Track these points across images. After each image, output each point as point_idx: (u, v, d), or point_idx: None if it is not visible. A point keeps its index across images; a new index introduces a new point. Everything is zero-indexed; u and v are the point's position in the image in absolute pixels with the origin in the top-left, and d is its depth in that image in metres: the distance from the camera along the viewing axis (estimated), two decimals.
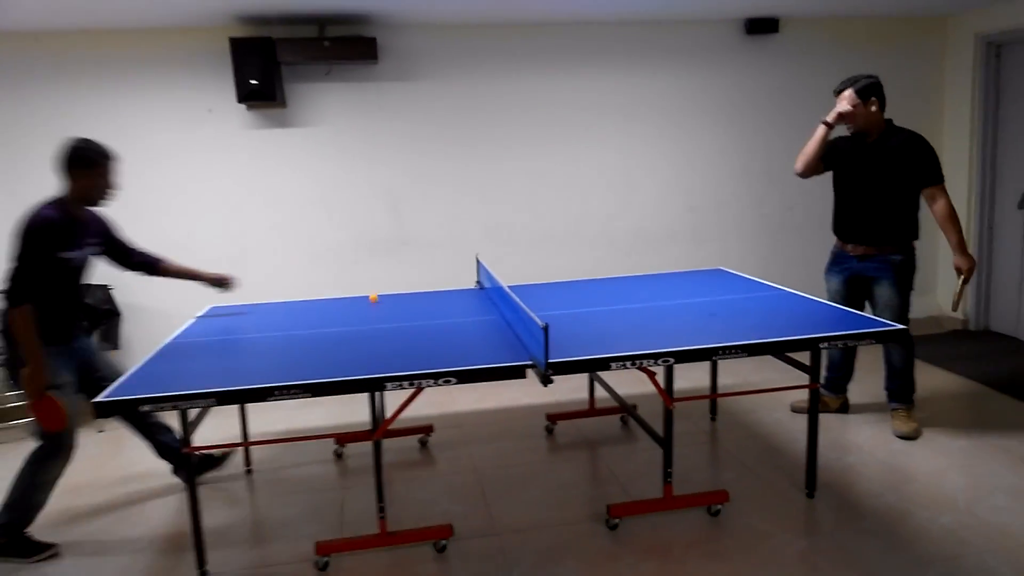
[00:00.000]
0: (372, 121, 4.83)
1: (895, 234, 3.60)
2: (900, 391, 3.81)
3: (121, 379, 2.61)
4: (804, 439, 3.30)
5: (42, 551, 2.97)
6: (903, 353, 3.75)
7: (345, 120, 4.80)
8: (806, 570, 2.65)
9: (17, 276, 2.76)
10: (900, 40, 5.42)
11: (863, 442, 3.71)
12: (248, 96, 4.38)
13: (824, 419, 3.96)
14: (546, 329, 2.43)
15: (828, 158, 3.73)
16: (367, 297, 3.88)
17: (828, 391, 4.09)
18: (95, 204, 3.03)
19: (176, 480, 3.58)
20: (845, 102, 3.54)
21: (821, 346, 2.81)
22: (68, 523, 3.24)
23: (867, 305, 3.83)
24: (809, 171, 3.74)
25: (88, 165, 2.92)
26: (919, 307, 5.66)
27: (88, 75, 4.49)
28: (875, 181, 3.58)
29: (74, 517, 3.30)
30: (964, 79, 5.41)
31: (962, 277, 3.53)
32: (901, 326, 2.90)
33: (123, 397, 2.38)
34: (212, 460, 3.64)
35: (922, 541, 2.80)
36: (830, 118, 3.60)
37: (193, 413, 2.80)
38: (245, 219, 4.81)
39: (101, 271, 4.61)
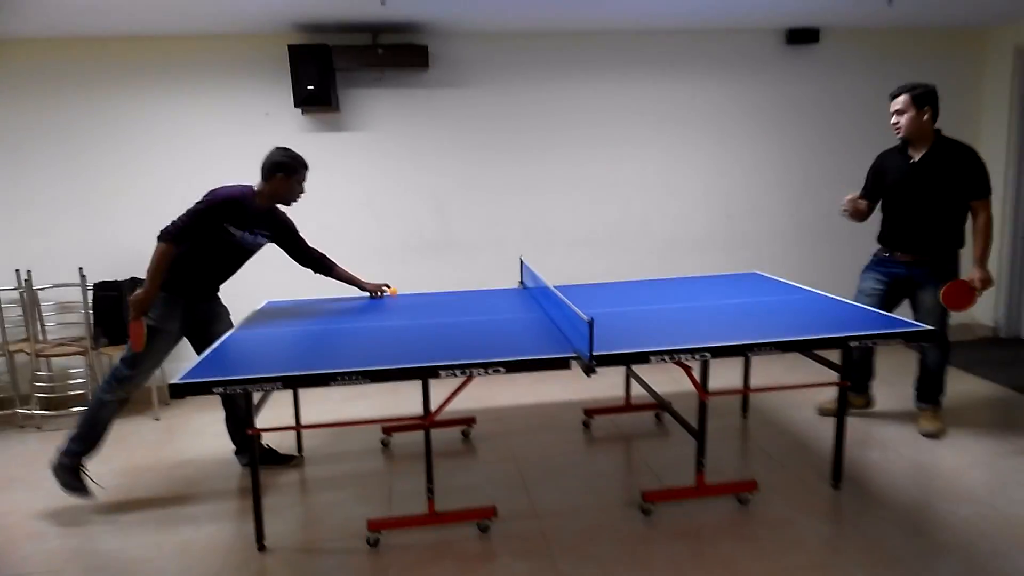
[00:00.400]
0: (420, 126, 5.05)
1: (945, 242, 3.71)
2: (929, 392, 3.92)
3: (193, 364, 2.83)
4: (831, 436, 3.42)
5: (85, 491, 3.37)
6: (939, 356, 3.85)
7: (395, 125, 5.02)
8: (829, 553, 2.78)
9: (178, 222, 3.22)
10: (939, 51, 5.49)
11: (888, 440, 3.82)
12: (304, 101, 4.62)
13: (849, 418, 4.07)
14: (591, 323, 2.60)
15: (875, 185, 3.85)
16: (415, 295, 4.09)
17: (851, 391, 4.19)
18: (286, 204, 3.53)
19: (231, 463, 3.82)
20: (895, 114, 3.65)
21: (851, 344, 2.94)
22: (130, 503, 3.46)
23: (899, 309, 3.93)
24: (862, 217, 3.90)
25: (289, 172, 3.41)
26: (951, 314, 5.74)
27: (153, 79, 4.77)
28: (928, 192, 3.65)
29: (135, 498, 3.52)
30: (1002, 90, 5.46)
31: (976, 289, 3.62)
32: (932, 327, 3.02)
33: (196, 379, 2.60)
34: (277, 456, 3.80)
35: (942, 530, 2.91)
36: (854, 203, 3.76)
37: (257, 397, 3.01)
38: (298, 219, 5.02)
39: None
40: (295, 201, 3.52)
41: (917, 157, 3.68)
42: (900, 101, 3.62)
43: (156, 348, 3.35)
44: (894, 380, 4.59)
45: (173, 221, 3.23)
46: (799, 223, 5.56)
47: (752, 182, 5.46)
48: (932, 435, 3.82)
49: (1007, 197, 5.50)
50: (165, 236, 3.19)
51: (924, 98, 3.58)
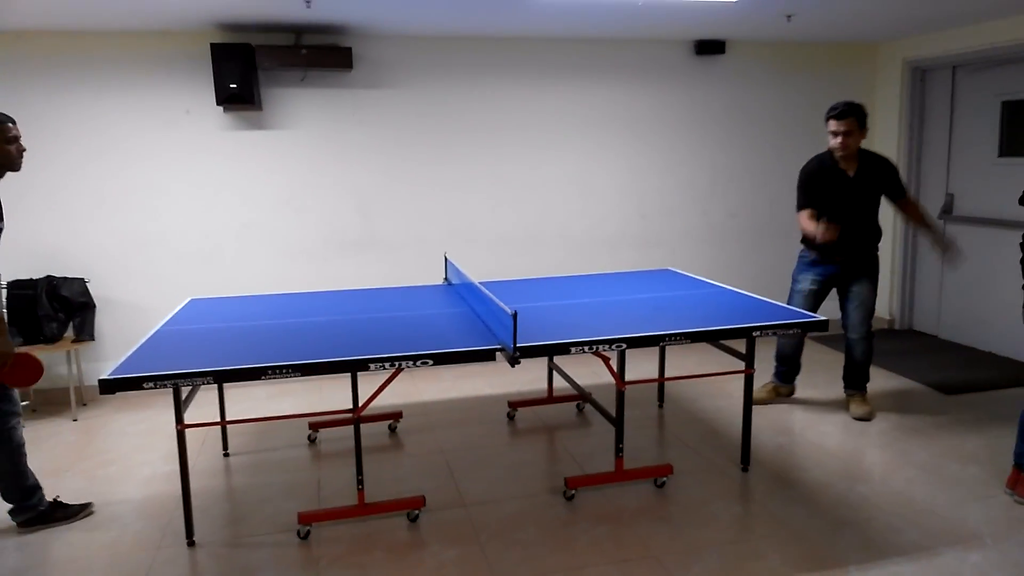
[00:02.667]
0: (344, 126, 5.07)
1: (874, 240, 4.13)
2: (857, 379, 4.26)
3: (122, 360, 2.81)
4: (741, 423, 3.65)
5: (80, 510, 3.22)
6: (866, 346, 4.19)
7: (319, 124, 5.03)
8: (739, 530, 3.00)
9: None
10: (835, 64, 5.89)
11: (795, 426, 4.11)
12: (227, 99, 4.58)
13: (760, 408, 4.36)
14: (515, 316, 2.73)
15: (814, 198, 4.02)
16: (340, 291, 4.13)
17: (779, 381, 4.50)
18: (12, 169, 3.00)
19: (156, 461, 3.78)
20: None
21: (754, 335, 3.17)
22: None
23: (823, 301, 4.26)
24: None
25: None
26: None
27: (72, 74, 4.63)
28: (866, 201, 4.03)
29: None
30: (893, 101, 5.90)
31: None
32: (821, 317, 3.33)
33: (126, 375, 2.60)
34: (67, 509, 3.27)
35: (841, 507, 3.18)
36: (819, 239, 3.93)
37: (185, 393, 3.02)
38: (220, 216, 5.00)
39: (79, 264, 4.77)
40: (19, 162, 3.00)
41: (852, 172, 3.98)
42: (847, 123, 3.82)
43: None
44: (806, 370, 4.92)
45: None
46: (709, 222, 5.86)
47: (664, 184, 5.72)
48: (864, 418, 4.15)
49: None
50: None
51: (865, 119, 3.90)
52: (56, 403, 4.75)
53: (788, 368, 4.46)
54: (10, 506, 3.13)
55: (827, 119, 3.91)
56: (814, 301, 4.18)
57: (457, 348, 2.85)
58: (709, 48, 5.54)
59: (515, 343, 2.77)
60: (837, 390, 4.52)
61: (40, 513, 3.15)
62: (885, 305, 6.16)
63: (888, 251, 6.05)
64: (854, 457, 3.69)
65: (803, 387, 4.67)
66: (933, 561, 2.76)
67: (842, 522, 3.05)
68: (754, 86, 5.75)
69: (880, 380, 4.81)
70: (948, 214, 5.65)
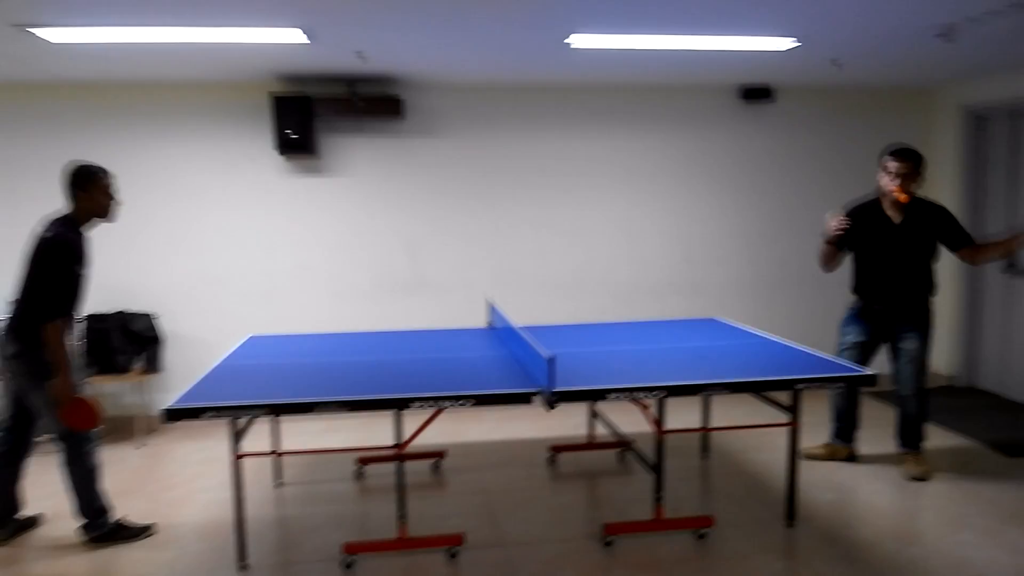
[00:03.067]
0: (395, 172, 5.29)
1: (924, 292, 3.96)
2: (911, 437, 4.08)
3: (184, 392, 2.98)
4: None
5: (142, 531, 3.45)
6: (917, 404, 4.02)
7: (371, 170, 5.26)
8: None
9: (44, 295, 3.11)
10: (889, 110, 5.85)
11: (847, 483, 4.01)
12: (286, 147, 4.84)
13: (816, 463, 4.26)
14: (551, 360, 2.81)
15: (852, 240, 3.99)
16: (388, 332, 4.27)
17: (837, 440, 4.33)
18: (105, 219, 3.35)
19: (214, 487, 3.94)
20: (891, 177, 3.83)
21: (797, 387, 3.16)
22: None
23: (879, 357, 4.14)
24: (833, 266, 4.10)
25: (85, 186, 3.24)
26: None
27: (145, 122, 4.98)
28: (913, 250, 3.91)
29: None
30: (949, 148, 5.80)
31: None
32: (868, 371, 3.28)
33: (188, 405, 2.76)
34: (133, 529, 3.50)
35: (888, 569, 3.09)
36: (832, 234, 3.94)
37: (241, 424, 3.17)
38: (278, 257, 5.24)
39: (148, 300, 5.05)
40: (115, 212, 3.36)
41: (898, 219, 3.90)
42: (909, 167, 3.76)
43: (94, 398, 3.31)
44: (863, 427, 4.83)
45: (34, 297, 3.13)
46: (756, 271, 5.84)
47: (712, 231, 5.75)
48: (919, 478, 3.96)
49: None
50: (47, 317, 3.09)
51: (923, 167, 3.83)
52: (124, 430, 4.99)
53: (843, 425, 4.30)
54: (82, 522, 3.38)
55: (886, 157, 3.83)
56: (860, 354, 4.07)
57: (496, 390, 2.93)
58: (757, 94, 5.58)
59: (551, 387, 2.84)
60: (892, 446, 4.36)
61: (107, 532, 3.38)
62: (945, 361, 5.98)
63: (948, 304, 5.91)
64: (907, 517, 3.59)
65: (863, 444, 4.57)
66: None
67: None
68: (804, 133, 5.76)
69: (938, 439, 4.65)
70: (1012, 267, 5.49)
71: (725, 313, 5.68)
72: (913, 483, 3.97)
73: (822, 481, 4.03)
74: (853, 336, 4.12)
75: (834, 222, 3.87)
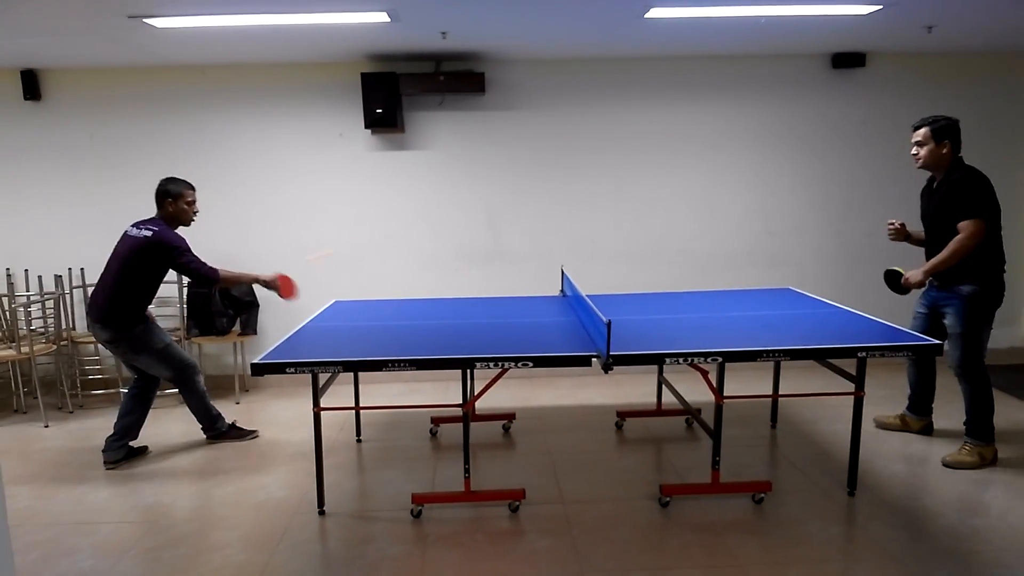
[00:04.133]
0: (476, 146, 5.46)
1: (962, 267, 3.68)
2: (971, 426, 3.85)
3: (270, 349, 3.28)
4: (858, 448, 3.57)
5: (249, 433, 4.45)
6: (968, 388, 3.81)
7: (454, 144, 5.45)
8: (833, 551, 3.00)
9: (196, 263, 3.95)
10: (988, 75, 5.55)
11: (916, 455, 3.97)
12: (374, 123, 5.09)
13: (882, 434, 4.25)
14: (609, 324, 2.92)
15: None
16: (464, 299, 4.49)
17: (911, 412, 4.29)
18: (185, 225, 4.07)
19: (301, 442, 4.29)
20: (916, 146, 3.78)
21: (859, 355, 3.16)
22: (211, 470, 3.98)
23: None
24: (916, 242, 4.02)
25: (175, 196, 3.98)
26: (1004, 337, 5.76)
27: (243, 102, 5.35)
28: (939, 218, 3.78)
29: (215, 466, 4.04)
30: None
31: (904, 281, 3.78)
32: (933, 341, 3.23)
33: (274, 361, 3.05)
34: (242, 431, 4.48)
35: (947, 537, 3.08)
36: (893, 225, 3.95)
37: (322, 380, 3.45)
38: (366, 228, 5.54)
39: (247, 267, 5.44)
40: (192, 221, 4.08)
41: (936, 184, 3.85)
42: (920, 134, 3.75)
43: (178, 349, 4.17)
44: (941, 401, 4.70)
45: (193, 262, 3.93)
46: (842, 242, 5.71)
47: (795, 202, 5.64)
48: (949, 465, 3.80)
49: None
50: (213, 272, 3.98)
51: (943, 132, 3.70)
52: (224, 388, 5.46)
53: (917, 398, 4.25)
54: (203, 426, 4.36)
55: None
56: (923, 327, 3.96)
57: (556, 353, 3.08)
58: (847, 61, 5.42)
59: (609, 350, 2.96)
60: None
61: (222, 432, 4.39)
62: None
63: None
64: (974, 490, 3.53)
65: (936, 417, 4.46)
66: None
67: (946, 552, 2.97)
68: (897, 99, 5.55)
69: (1014, 413, 4.50)
70: None
71: (807, 284, 5.60)
72: (953, 469, 3.78)
73: (890, 453, 4.00)
74: (917, 307, 4.06)
75: (888, 228, 3.96)
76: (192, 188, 4.07)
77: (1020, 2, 3.91)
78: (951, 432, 4.23)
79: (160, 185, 4.00)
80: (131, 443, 4.14)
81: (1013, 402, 4.80)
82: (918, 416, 4.28)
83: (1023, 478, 3.63)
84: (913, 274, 3.77)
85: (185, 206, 4.01)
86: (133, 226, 3.97)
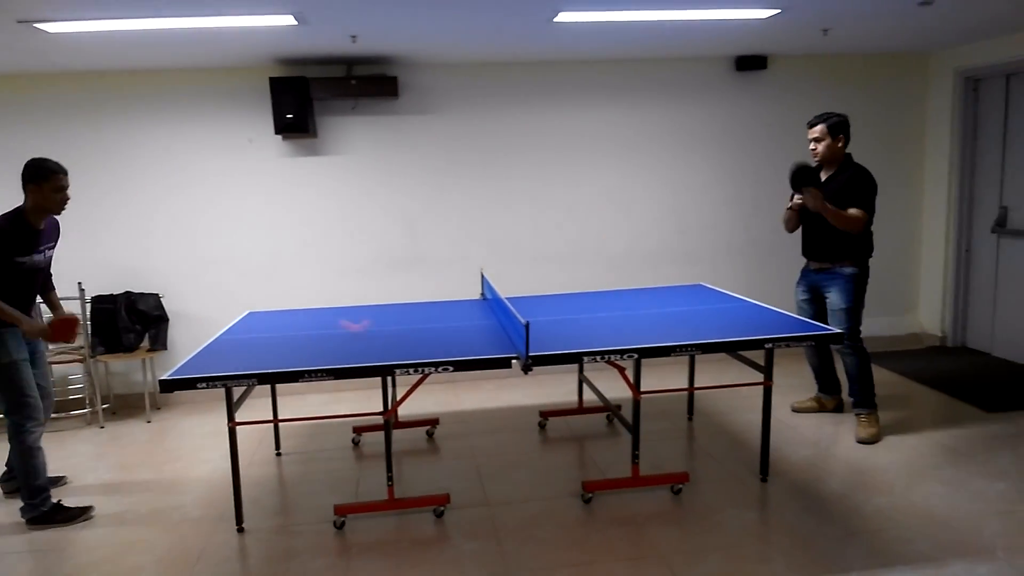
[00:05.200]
0: (392, 150, 5.42)
1: (845, 250, 4.06)
2: (859, 397, 4.18)
3: (180, 363, 3.16)
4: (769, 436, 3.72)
5: (82, 511, 3.51)
6: (855, 360, 4.15)
7: (368, 149, 5.39)
8: (749, 536, 3.12)
9: None
10: (883, 76, 5.88)
11: (824, 440, 4.16)
12: (284, 128, 4.98)
13: (791, 419, 4.45)
14: (527, 326, 2.95)
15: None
16: (383, 305, 4.43)
17: (823, 393, 4.58)
18: (55, 213, 3.50)
19: (215, 459, 4.15)
20: (816, 143, 4.04)
21: (766, 346, 3.29)
22: (123, 493, 3.81)
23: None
24: (794, 228, 4.30)
25: (40, 179, 3.38)
26: (897, 325, 6.11)
27: (146, 108, 5.13)
28: (845, 202, 3.99)
29: (128, 489, 3.87)
30: (944, 111, 5.84)
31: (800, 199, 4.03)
32: (835, 330, 3.40)
33: (183, 376, 2.94)
34: (69, 511, 3.54)
35: (854, 517, 3.24)
36: (794, 204, 4.13)
37: (237, 394, 3.35)
38: (279, 236, 5.40)
39: (154, 280, 5.24)
40: (62, 208, 3.49)
41: (824, 179, 4.09)
42: (818, 130, 4.03)
43: (28, 377, 3.44)
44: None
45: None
46: (750, 238, 5.93)
47: (705, 200, 5.83)
48: (866, 442, 4.05)
49: (951, 211, 5.87)
50: None
51: (838, 127, 4.01)
52: (133, 406, 5.24)
53: (823, 379, 4.53)
54: (23, 500, 3.46)
55: None
56: (810, 311, 4.26)
57: (476, 356, 3.09)
58: (750, 64, 5.64)
59: (528, 351, 2.98)
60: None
61: (43, 513, 3.45)
62: (937, 321, 6.07)
63: (939, 266, 5.98)
64: (878, 471, 3.72)
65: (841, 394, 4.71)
66: (939, 572, 2.81)
67: (853, 532, 3.12)
68: (798, 100, 5.80)
69: (921, 397, 4.79)
70: (1002, 227, 5.55)
71: (719, 280, 5.79)
72: (870, 445, 4.04)
73: (798, 438, 4.18)
74: (799, 294, 4.33)
75: (793, 203, 4.17)
76: (63, 172, 3.46)
77: (907, 8, 4.15)
78: (851, 413, 4.46)
79: (24, 169, 3.40)
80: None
81: (913, 386, 5.08)
82: (829, 395, 4.57)
83: (920, 459, 3.85)
84: (815, 196, 3.89)
85: (53, 193, 3.40)
86: None
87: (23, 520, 3.45)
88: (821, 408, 4.58)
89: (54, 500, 3.53)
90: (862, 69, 5.84)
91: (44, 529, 3.42)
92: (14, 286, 3.43)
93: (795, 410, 4.60)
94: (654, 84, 5.64)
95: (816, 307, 4.27)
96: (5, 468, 3.83)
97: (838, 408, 4.57)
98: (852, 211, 3.93)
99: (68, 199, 3.53)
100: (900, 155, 6.00)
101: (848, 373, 4.20)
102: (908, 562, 2.88)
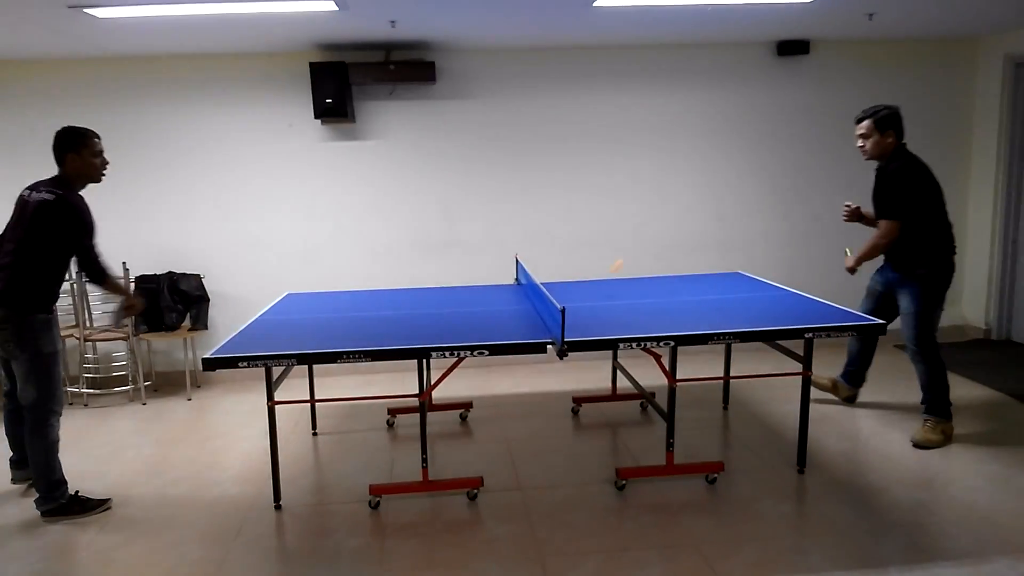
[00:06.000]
0: (428, 135, 5.43)
1: (910, 251, 3.82)
2: (928, 403, 3.93)
3: (222, 343, 3.22)
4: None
5: (97, 506, 3.41)
6: (924, 368, 3.90)
7: (405, 134, 5.41)
8: (784, 527, 3.09)
9: (46, 258, 3.24)
10: (930, 61, 5.72)
11: (863, 432, 4.09)
12: (323, 112, 5.02)
13: (830, 412, 4.38)
14: (563, 311, 2.95)
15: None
16: (419, 289, 4.47)
17: (844, 380, 4.47)
18: (95, 181, 3.36)
19: (255, 436, 4.23)
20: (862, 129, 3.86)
21: (806, 336, 3.24)
22: (166, 469, 3.90)
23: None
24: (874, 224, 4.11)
25: (78, 147, 3.25)
26: (944, 316, 5.92)
27: (191, 93, 5.21)
28: (879, 206, 3.87)
29: (169, 464, 3.96)
30: (993, 98, 5.67)
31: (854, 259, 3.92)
32: (877, 321, 3.33)
33: (226, 355, 3.00)
34: (88, 503, 3.45)
35: (894, 511, 3.19)
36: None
37: (276, 374, 3.40)
38: (317, 219, 5.46)
39: (195, 261, 5.34)
40: (102, 174, 3.37)
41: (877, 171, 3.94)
42: (864, 126, 3.82)
43: (61, 368, 3.36)
44: (886, 379, 4.87)
45: (93, 254, 3.27)
46: (789, 226, 5.84)
47: (743, 188, 5.75)
48: (921, 445, 3.85)
49: (998, 202, 5.71)
50: (106, 271, 3.32)
51: (886, 121, 3.77)
52: (174, 384, 5.36)
53: (854, 369, 4.42)
54: (37, 492, 3.37)
55: None
56: (873, 304, 4.11)
57: (511, 340, 3.09)
58: (792, 48, 5.53)
59: (563, 336, 2.98)
60: (913, 399, 4.41)
61: (61, 506, 3.35)
62: (981, 315, 5.93)
63: (984, 258, 5.83)
64: (919, 464, 3.66)
65: (879, 393, 4.64)
66: (980, 567, 2.76)
67: (892, 525, 3.08)
68: (841, 86, 5.68)
69: (964, 390, 4.68)
70: None
71: (757, 268, 5.72)
72: (922, 449, 3.86)
73: (836, 431, 4.12)
74: (871, 283, 4.17)
75: (843, 210, 4.09)
76: (97, 136, 3.34)
77: None
78: (898, 407, 4.43)
79: (57, 138, 3.26)
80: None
81: (955, 379, 4.97)
82: (850, 385, 4.47)
83: (965, 453, 3.77)
84: (847, 261, 3.95)
85: (92, 158, 3.29)
86: (29, 189, 3.27)
87: (38, 512, 3.36)
88: (832, 391, 4.50)
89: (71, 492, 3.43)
90: (908, 55, 5.69)
91: (58, 522, 3.32)
92: (61, 267, 3.32)
93: (811, 383, 4.43)
94: (693, 69, 5.56)
95: (879, 303, 4.08)
96: (13, 455, 3.71)
97: (849, 400, 4.50)
98: (880, 228, 3.79)
99: (107, 163, 3.40)
100: (946, 144, 5.84)
101: (920, 381, 3.97)
102: (949, 557, 2.83)
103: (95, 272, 3.32)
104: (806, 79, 5.67)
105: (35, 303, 3.23)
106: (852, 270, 3.96)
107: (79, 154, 3.27)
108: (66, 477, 3.42)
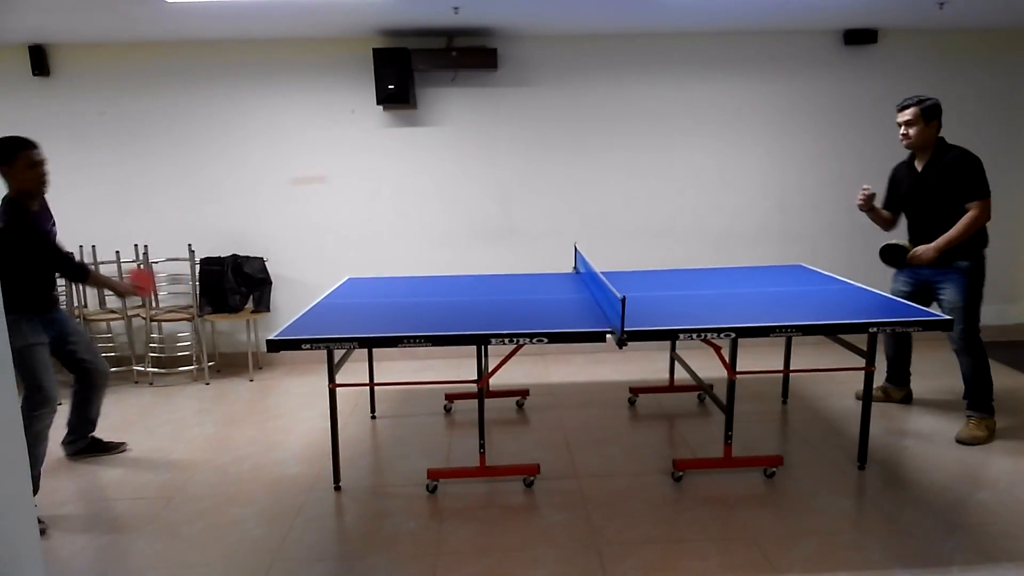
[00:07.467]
0: (489, 122, 5.45)
1: (958, 245, 3.73)
2: (971, 399, 3.88)
3: (286, 325, 3.31)
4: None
5: (115, 444, 3.82)
6: (970, 361, 3.82)
7: (466, 121, 5.44)
8: (844, 523, 3.04)
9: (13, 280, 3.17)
10: (1002, 52, 5.50)
11: (922, 429, 3.99)
12: (386, 99, 5.08)
13: (889, 408, 4.29)
14: (623, 301, 2.94)
15: (891, 197, 4.06)
16: (478, 275, 4.50)
17: (890, 383, 4.39)
18: (39, 191, 3.27)
19: (316, 417, 4.33)
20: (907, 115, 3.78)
21: (871, 330, 3.17)
22: (228, 448, 4.02)
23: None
24: (888, 226, 4.13)
25: (9, 161, 3.14)
26: (1006, 314, 5.76)
27: (253, 77, 5.33)
28: (932, 199, 3.79)
29: (231, 443, 4.09)
30: None
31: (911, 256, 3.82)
32: (943, 316, 3.24)
33: (289, 337, 3.08)
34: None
35: (956, 511, 3.11)
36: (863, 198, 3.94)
37: (337, 356, 3.48)
38: (378, 205, 5.54)
39: (258, 244, 5.48)
40: (45, 184, 3.26)
41: (921, 167, 3.84)
42: (909, 113, 3.74)
43: (43, 362, 3.33)
44: (940, 375, 4.72)
45: (59, 259, 3.27)
46: (853, 219, 5.67)
47: (807, 179, 5.62)
48: (965, 442, 3.79)
49: None
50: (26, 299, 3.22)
51: (932, 111, 3.72)
52: (236, 365, 5.52)
53: (895, 369, 4.35)
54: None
55: None
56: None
57: (571, 329, 3.10)
58: (859, 38, 5.37)
59: (623, 327, 2.97)
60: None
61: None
62: None
63: None
64: (981, 464, 3.55)
65: (940, 391, 4.51)
66: None
67: (955, 525, 3.00)
68: (910, 77, 5.50)
69: (1017, 386, 4.52)
70: None
71: (820, 261, 5.60)
72: (967, 446, 3.78)
73: (900, 427, 4.03)
74: (899, 284, 4.08)
75: (860, 193, 3.96)
76: (33, 146, 3.18)
77: None
78: (939, 402, 4.34)
79: None
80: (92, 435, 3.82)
81: (1015, 375, 4.81)
82: (898, 386, 4.39)
83: None
84: (924, 250, 3.79)
85: (26, 171, 3.16)
86: None
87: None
88: (887, 398, 4.39)
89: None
90: (979, 45, 5.48)
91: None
92: (35, 263, 3.30)
93: (858, 397, 4.36)
94: (758, 57, 5.45)
95: (914, 301, 3.94)
96: (67, 430, 3.86)
97: (906, 400, 4.38)
98: (969, 212, 3.68)
99: (47, 174, 3.26)
100: (1015, 135, 5.61)
101: (963, 375, 3.89)
102: (1013, 559, 2.75)
103: (71, 274, 3.40)
104: (873, 69, 5.50)
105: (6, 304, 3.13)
106: (920, 262, 3.82)
107: (11, 168, 3.17)
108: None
